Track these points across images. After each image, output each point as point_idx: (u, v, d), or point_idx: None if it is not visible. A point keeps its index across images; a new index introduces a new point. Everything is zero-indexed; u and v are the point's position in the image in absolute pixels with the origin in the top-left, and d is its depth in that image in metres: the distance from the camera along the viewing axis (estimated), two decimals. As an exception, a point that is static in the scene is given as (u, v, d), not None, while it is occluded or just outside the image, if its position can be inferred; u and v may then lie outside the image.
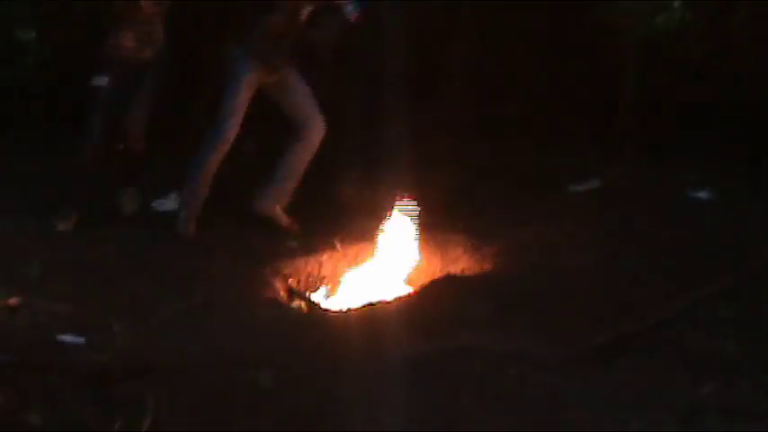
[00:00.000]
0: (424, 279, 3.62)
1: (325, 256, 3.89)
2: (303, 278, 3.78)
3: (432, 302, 3.20)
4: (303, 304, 3.55)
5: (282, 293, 3.52)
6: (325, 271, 3.87)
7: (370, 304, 3.51)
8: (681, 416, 2.36)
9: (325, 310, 3.58)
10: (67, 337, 2.81)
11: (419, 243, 3.93)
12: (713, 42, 5.05)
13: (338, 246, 3.92)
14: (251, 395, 2.49)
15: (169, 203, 4.40)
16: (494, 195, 4.72)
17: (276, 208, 4.13)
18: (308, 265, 3.83)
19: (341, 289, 3.84)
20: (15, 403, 2.30)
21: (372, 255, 3.96)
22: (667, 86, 5.43)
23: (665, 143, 5.33)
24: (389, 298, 3.53)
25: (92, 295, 3.25)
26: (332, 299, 3.76)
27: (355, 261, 3.93)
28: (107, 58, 4.03)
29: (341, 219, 4.27)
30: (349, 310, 3.50)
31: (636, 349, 2.73)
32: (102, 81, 4.04)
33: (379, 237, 3.98)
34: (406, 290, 3.60)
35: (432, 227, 4.13)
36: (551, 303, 3.13)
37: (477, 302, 3.15)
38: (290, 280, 3.70)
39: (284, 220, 4.14)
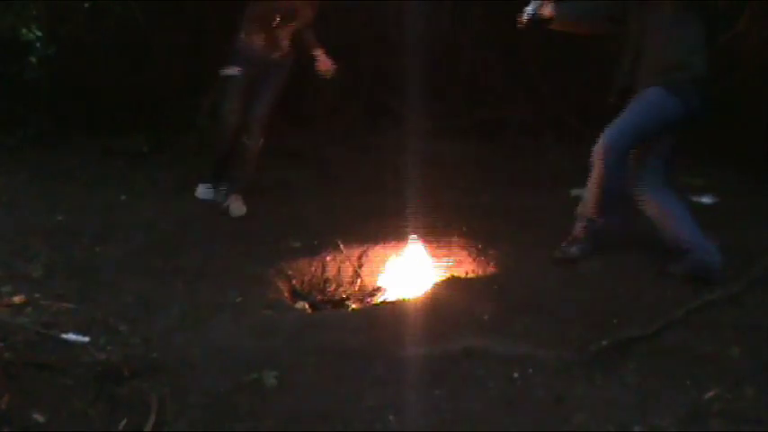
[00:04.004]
0: (428, 281, 3.62)
1: (328, 257, 3.89)
2: (306, 279, 3.78)
3: (436, 304, 3.20)
4: (307, 305, 3.55)
5: (286, 294, 3.52)
6: (329, 272, 3.87)
7: (374, 305, 3.52)
8: (684, 420, 2.36)
9: (329, 310, 3.59)
10: (72, 336, 2.82)
11: (423, 245, 3.93)
12: (716, 47, 5.06)
13: (341, 246, 3.92)
14: (255, 395, 2.50)
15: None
16: (497, 198, 4.74)
17: None
18: (311, 266, 3.83)
19: (344, 290, 3.84)
20: (20, 401, 2.31)
21: (376, 256, 3.96)
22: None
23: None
24: (393, 299, 3.54)
25: (96, 295, 3.25)
26: (335, 300, 3.77)
27: (359, 262, 3.93)
28: (237, 52, 4.30)
29: (344, 219, 4.28)
30: (353, 311, 3.51)
31: (639, 353, 2.73)
32: (233, 71, 4.29)
33: (382, 238, 3.99)
34: (409, 291, 3.60)
35: (435, 228, 4.13)
36: (555, 306, 3.14)
37: (481, 305, 3.15)
38: (294, 281, 3.70)
39: None
